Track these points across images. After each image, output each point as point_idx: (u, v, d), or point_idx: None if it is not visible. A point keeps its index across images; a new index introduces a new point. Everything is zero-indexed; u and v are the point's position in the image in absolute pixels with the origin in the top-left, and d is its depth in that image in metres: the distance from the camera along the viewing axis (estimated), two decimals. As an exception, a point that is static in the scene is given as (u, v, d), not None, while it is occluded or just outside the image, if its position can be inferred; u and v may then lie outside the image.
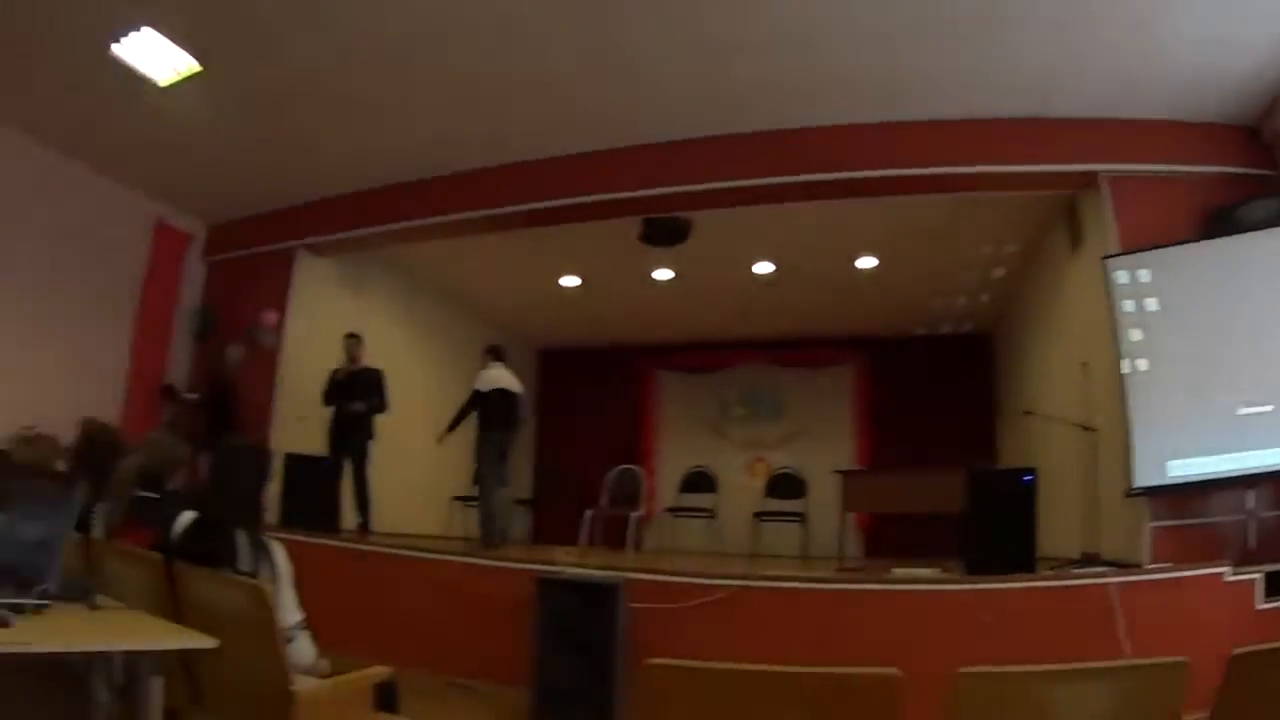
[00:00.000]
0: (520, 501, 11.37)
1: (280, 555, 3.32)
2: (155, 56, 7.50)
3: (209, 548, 3.27)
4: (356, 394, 9.47)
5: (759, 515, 9.56)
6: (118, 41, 7.32)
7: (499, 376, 9.25)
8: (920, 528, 8.83)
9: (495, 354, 9.49)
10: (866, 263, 10.96)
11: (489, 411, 9.11)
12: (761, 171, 8.05)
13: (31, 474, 3.48)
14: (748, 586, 6.35)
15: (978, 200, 8.47)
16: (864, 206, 8.68)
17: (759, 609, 6.25)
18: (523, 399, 9.38)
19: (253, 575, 3.18)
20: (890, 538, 10.47)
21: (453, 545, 9.04)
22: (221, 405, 9.76)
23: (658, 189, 8.42)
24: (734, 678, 1.95)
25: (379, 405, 9.55)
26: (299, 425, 9.88)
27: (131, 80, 7.77)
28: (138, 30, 7.18)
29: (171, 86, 7.86)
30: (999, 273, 10.91)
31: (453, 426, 9.31)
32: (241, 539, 3.28)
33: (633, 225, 9.62)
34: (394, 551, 8.01)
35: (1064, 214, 8.64)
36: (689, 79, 7.41)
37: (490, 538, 8.74)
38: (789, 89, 7.47)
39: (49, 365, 9.50)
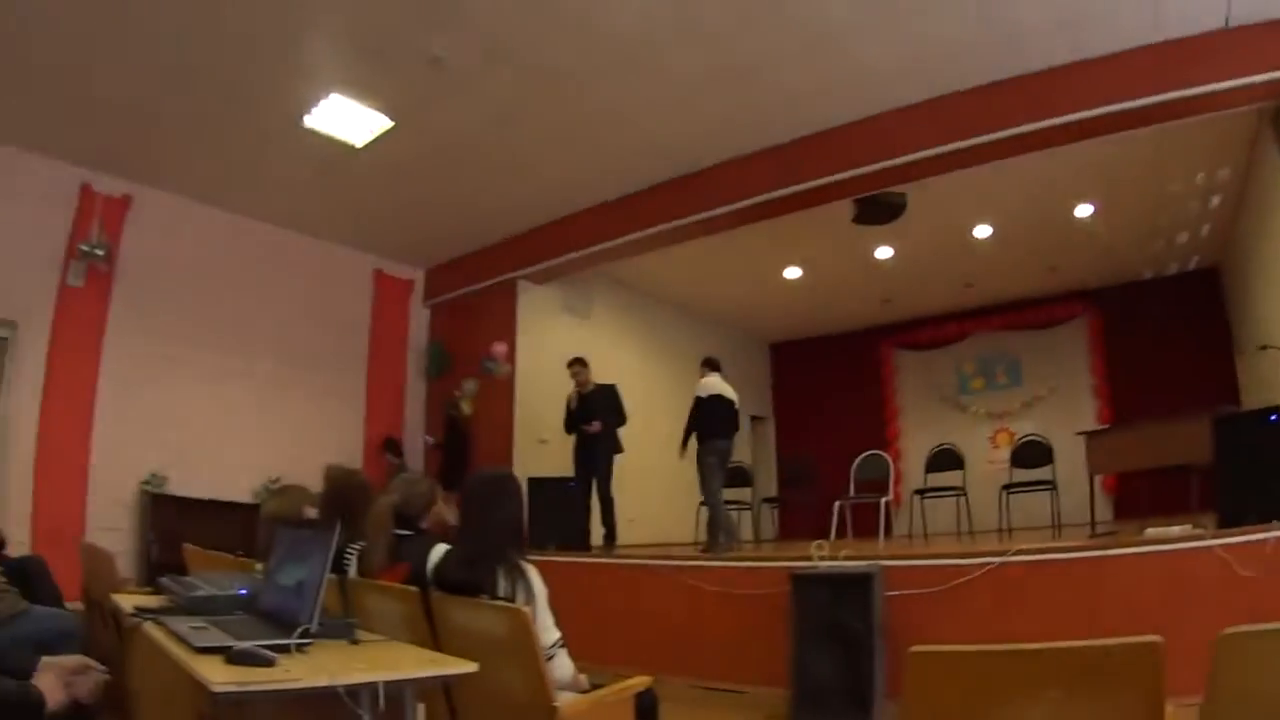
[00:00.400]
0: (767, 500, 11.30)
1: (535, 577, 3.31)
2: (347, 120, 7.87)
3: (466, 577, 3.31)
4: (591, 415, 9.64)
5: (1007, 488, 9.13)
6: (309, 113, 7.73)
7: (716, 384, 9.28)
8: (1170, 482, 8.28)
9: (712, 365, 9.53)
10: (1084, 210, 10.48)
11: (709, 420, 9.14)
12: (964, 133, 7.70)
13: (283, 523, 3.60)
14: (1003, 563, 6.05)
15: (1179, 128, 7.77)
16: (1070, 154, 8.16)
17: (1015, 584, 5.98)
18: (738, 407, 9.33)
19: (510, 600, 3.19)
20: (1141, 497, 9.83)
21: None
22: (458, 443, 10.13)
23: (867, 167, 8.17)
24: (992, 659, 1.82)
25: (615, 420, 9.71)
26: (540, 449, 10.11)
27: (329, 147, 8.23)
28: (326, 98, 7.55)
29: (368, 146, 8.20)
30: (1215, 201, 10.12)
31: (686, 439, 9.32)
32: (499, 565, 3.31)
33: (846, 208, 9.44)
34: (645, 562, 8.03)
35: (1271, 127, 7.81)
36: (889, 48, 7.16)
37: (719, 542, 8.78)
38: (978, 44, 7.12)
39: (292, 420, 10.42)
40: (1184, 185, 9.71)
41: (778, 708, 6.13)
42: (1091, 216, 10.60)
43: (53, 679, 2.32)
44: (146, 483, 9.10)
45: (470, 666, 2.48)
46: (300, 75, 7.28)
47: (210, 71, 7.17)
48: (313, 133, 8.00)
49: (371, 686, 2.21)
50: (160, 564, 8.54)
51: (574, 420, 9.82)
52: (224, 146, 8.50)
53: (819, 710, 5.88)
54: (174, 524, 8.83)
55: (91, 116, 7.89)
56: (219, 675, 2.06)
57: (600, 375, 10.07)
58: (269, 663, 2.21)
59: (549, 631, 3.23)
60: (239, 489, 9.75)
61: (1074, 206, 10.39)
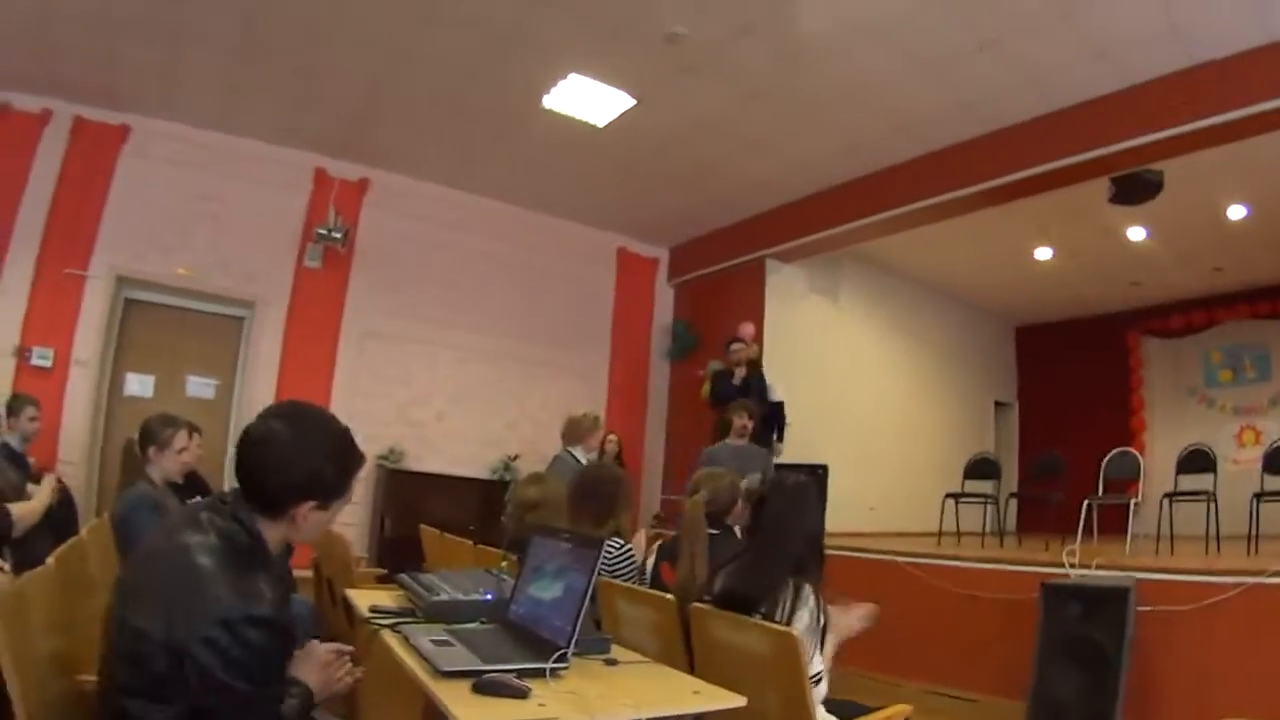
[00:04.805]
0: (1011, 495, 10.74)
1: (820, 604, 3.02)
2: (588, 100, 7.78)
3: (745, 591, 3.07)
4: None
5: (1259, 496, 8.25)
6: (548, 94, 7.70)
7: None
8: None
9: None
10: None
11: None
12: (1228, 105, 6.74)
13: (538, 525, 3.41)
14: (1256, 583, 5.41)
15: None
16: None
17: (1271, 606, 5.35)
18: None
19: (788, 621, 2.93)
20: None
21: (947, 549, 8.53)
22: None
23: (1121, 144, 7.36)
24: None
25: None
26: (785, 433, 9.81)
27: (570, 126, 8.19)
28: (565, 79, 7.48)
29: (610, 125, 8.13)
30: None
31: None
32: (788, 583, 3.02)
33: (1100, 187, 8.76)
34: (883, 557, 7.71)
35: None
36: (1137, 14, 6.37)
37: None
38: (1237, 6, 6.21)
39: (532, 398, 10.60)
40: None
41: (1013, 720, 5.79)
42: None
43: (316, 670, 2.18)
44: (384, 458, 9.33)
45: (739, 700, 2.28)
46: (538, 56, 7.22)
47: (446, 55, 7.24)
48: (552, 113, 7.97)
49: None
50: (393, 539, 8.73)
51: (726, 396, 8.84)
52: (462, 129, 8.63)
53: (1057, 728, 5.50)
54: (409, 498, 9.06)
55: (326, 103, 8.19)
56: (468, 711, 1.89)
57: (844, 355, 10.01)
58: (522, 695, 2.02)
59: (816, 661, 2.95)
60: (476, 465, 9.93)
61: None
